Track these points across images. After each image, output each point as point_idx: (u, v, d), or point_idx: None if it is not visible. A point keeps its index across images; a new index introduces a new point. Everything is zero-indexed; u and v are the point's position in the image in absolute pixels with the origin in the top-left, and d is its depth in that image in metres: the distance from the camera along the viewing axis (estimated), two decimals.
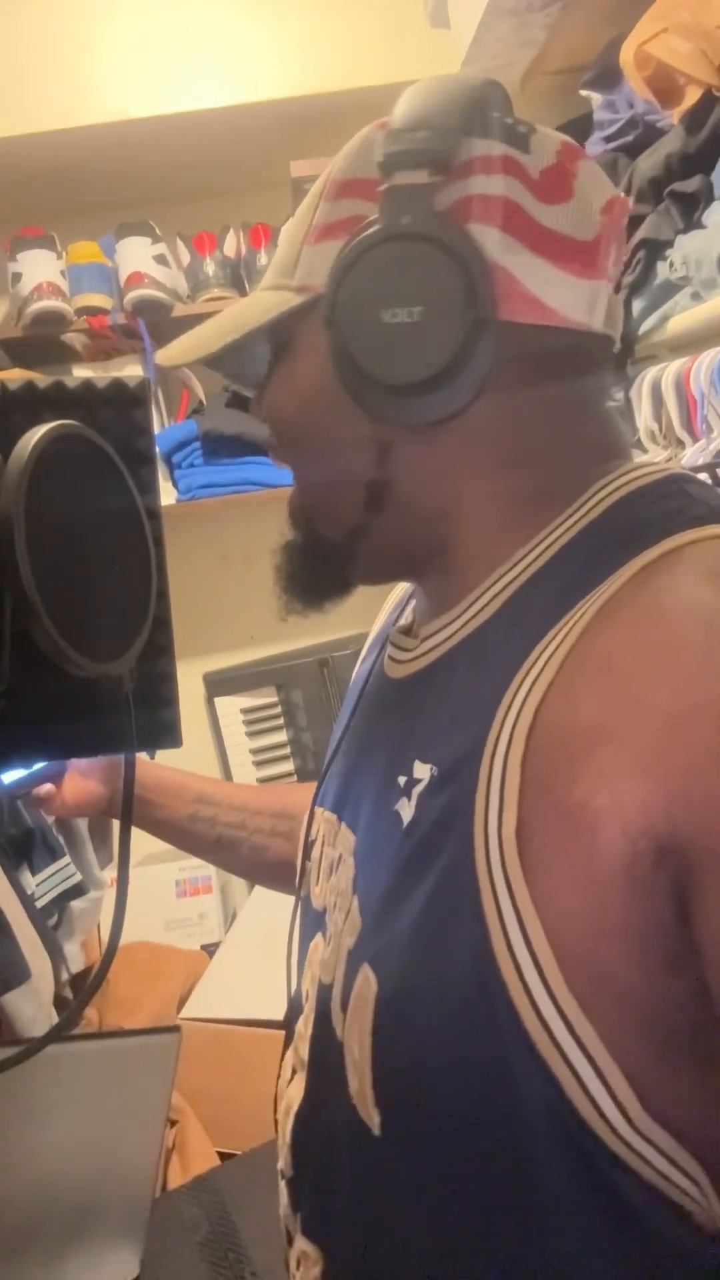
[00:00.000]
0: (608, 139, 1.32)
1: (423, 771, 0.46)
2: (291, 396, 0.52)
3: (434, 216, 0.44)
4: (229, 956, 1.79)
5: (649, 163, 1.18)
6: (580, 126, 1.47)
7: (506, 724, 0.42)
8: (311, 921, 0.57)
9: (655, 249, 1.16)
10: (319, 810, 0.59)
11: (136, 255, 1.87)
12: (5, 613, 0.45)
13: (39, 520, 0.44)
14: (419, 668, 0.52)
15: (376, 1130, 0.45)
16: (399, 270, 0.44)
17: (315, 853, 0.59)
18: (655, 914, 0.37)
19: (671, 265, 1.14)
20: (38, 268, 1.83)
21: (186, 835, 0.77)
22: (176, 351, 0.54)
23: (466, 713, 0.45)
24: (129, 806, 0.55)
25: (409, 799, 0.46)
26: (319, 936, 0.54)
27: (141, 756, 0.76)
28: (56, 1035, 0.48)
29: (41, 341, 1.90)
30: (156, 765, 0.79)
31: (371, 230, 0.45)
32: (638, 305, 1.20)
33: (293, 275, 0.49)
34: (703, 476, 0.56)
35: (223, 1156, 1.39)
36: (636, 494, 0.47)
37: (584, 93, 1.41)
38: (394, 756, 0.49)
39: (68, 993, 1.55)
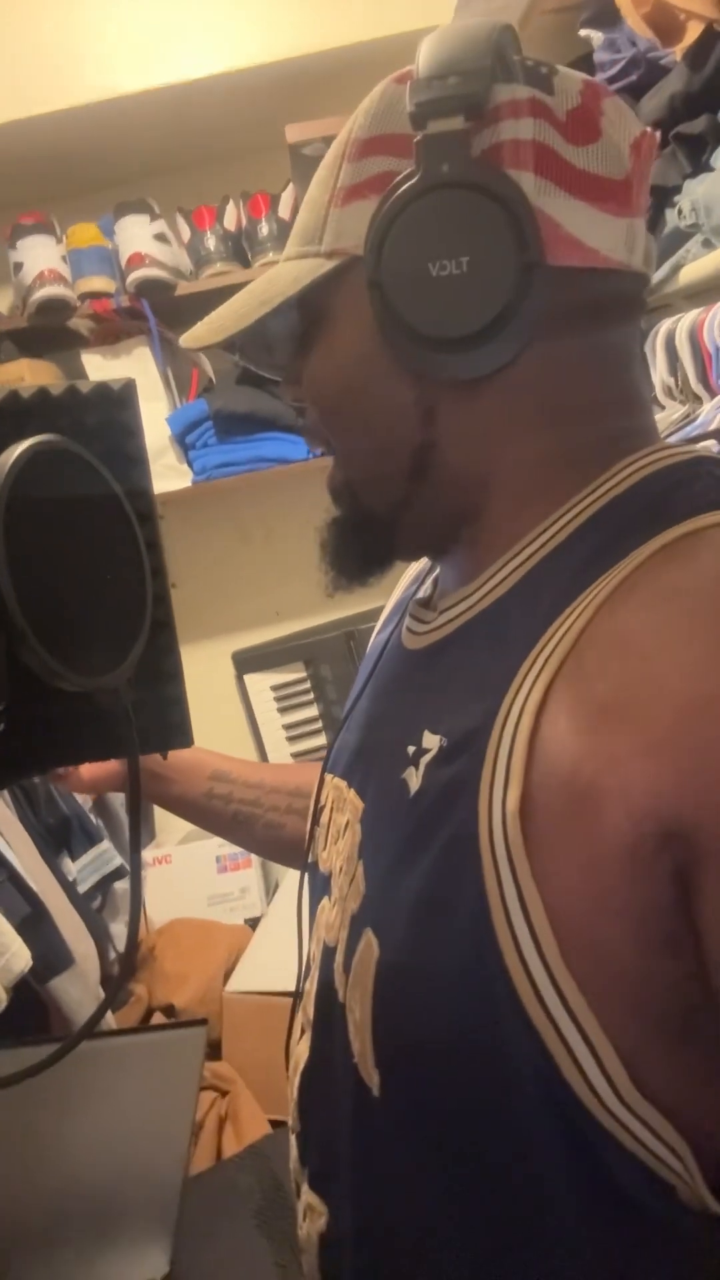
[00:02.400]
0: (610, 80, 1.27)
1: (431, 742, 0.46)
2: (332, 367, 0.50)
3: (474, 163, 0.43)
4: (271, 929, 1.83)
5: (652, 104, 1.13)
6: (581, 68, 1.41)
7: (518, 699, 0.41)
8: (319, 885, 0.57)
9: (663, 196, 1.12)
10: (329, 776, 0.60)
11: (136, 235, 1.85)
12: None
13: (22, 540, 0.44)
14: (435, 639, 0.51)
15: (376, 1091, 0.46)
16: (444, 221, 0.43)
17: (324, 818, 0.59)
18: (656, 896, 0.37)
19: (680, 212, 1.09)
20: (39, 255, 1.82)
21: (203, 812, 0.77)
22: (204, 332, 0.53)
23: (479, 686, 0.44)
24: (136, 811, 0.56)
25: (417, 769, 0.46)
26: (325, 899, 0.55)
27: None
28: (84, 1036, 0.49)
29: (47, 330, 1.89)
30: None
31: (411, 183, 0.44)
32: None
33: (320, 241, 0.48)
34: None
35: (274, 1124, 1.43)
36: (661, 473, 0.46)
37: (583, 32, 1.35)
38: (405, 725, 0.49)
39: (115, 970, 1.59)
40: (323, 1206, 0.52)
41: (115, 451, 0.56)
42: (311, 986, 0.54)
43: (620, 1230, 0.41)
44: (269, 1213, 1.17)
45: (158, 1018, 1.63)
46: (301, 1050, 0.55)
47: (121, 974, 0.49)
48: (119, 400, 0.58)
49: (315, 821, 0.61)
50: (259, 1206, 1.19)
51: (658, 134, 1.18)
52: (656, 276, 1.17)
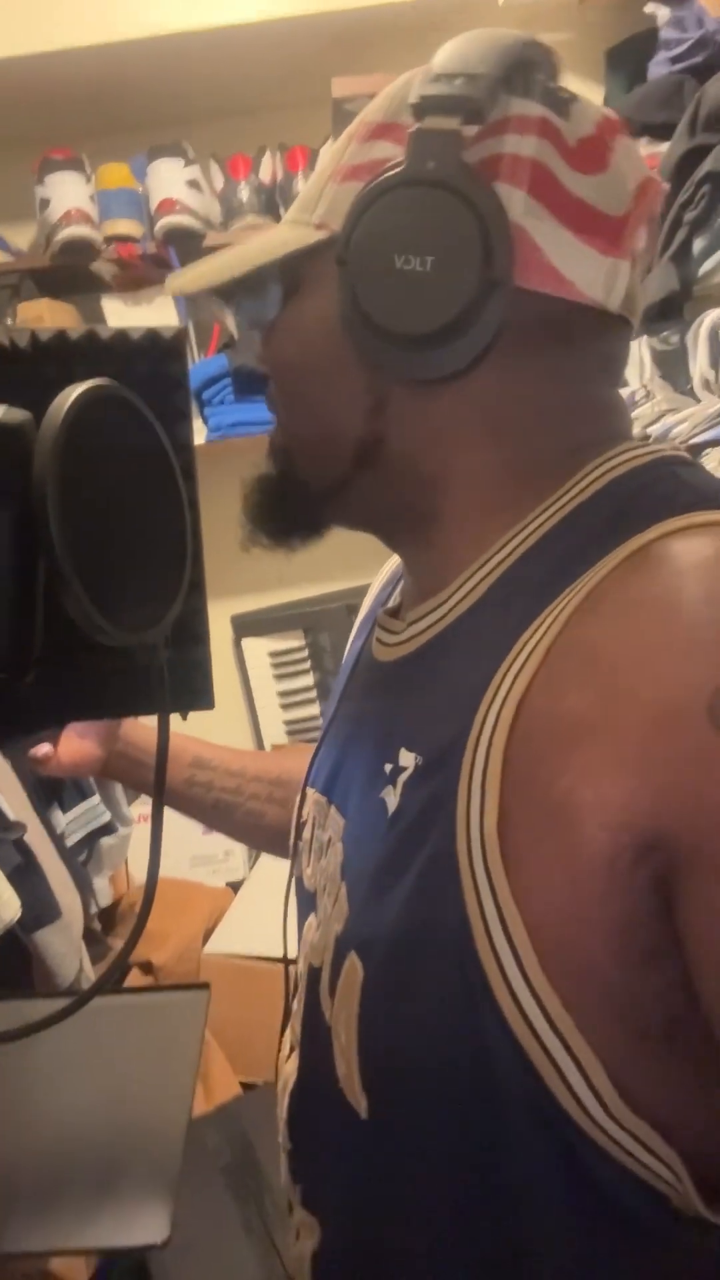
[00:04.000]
0: (674, 59, 1.23)
1: (408, 760, 0.46)
2: (294, 337, 0.50)
3: (461, 166, 0.43)
4: (253, 893, 1.84)
5: (718, 88, 1.10)
6: (643, 44, 1.38)
7: (490, 714, 0.41)
8: (305, 902, 0.57)
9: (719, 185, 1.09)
10: (310, 791, 0.60)
11: (168, 179, 1.80)
12: (38, 582, 0.43)
13: (74, 485, 0.42)
14: (406, 652, 0.51)
15: (363, 1113, 0.46)
16: (417, 216, 0.43)
17: (306, 834, 0.59)
18: (636, 908, 0.37)
19: None
20: (66, 192, 1.77)
21: (183, 799, 0.77)
22: (187, 279, 0.53)
23: (451, 701, 0.44)
24: (162, 769, 0.54)
25: (394, 787, 0.46)
26: (311, 918, 0.55)
27: (136, 720, 0.76)
28: (97, 992, 0.48)
29: (69, 271, 1.85)
30: (151, 728, 0.79)
31: (395, 171, 0.44)
32: (699, 244, 1.14)
33: (313, 212, 0.48)
34: None
35: (245, 1087, 1.45)
36: (625, 477, 0.46)
37: (649, 8, 1.31)
38: (381, 742, 0.49)
39: (96, 925, 1.59)
40: (315, 1225, 0.52)
41: (161, 404, 0.54)
42: (298, 1008, 0.54)
43: (614, 1242, 0.41)
44: (237, 1172, 1.18)
45: (135, 974, 1.64)
46: (290, 1069, 0.55)
47: (136, 929, 0.48)
48: (169, 350, 0.56)
49: (298, 836, 0.60)
50: (227, 1165, 1.21)
51: (657, 146, 1.15)
52: (706, 266, 1.14)
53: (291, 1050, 0.56)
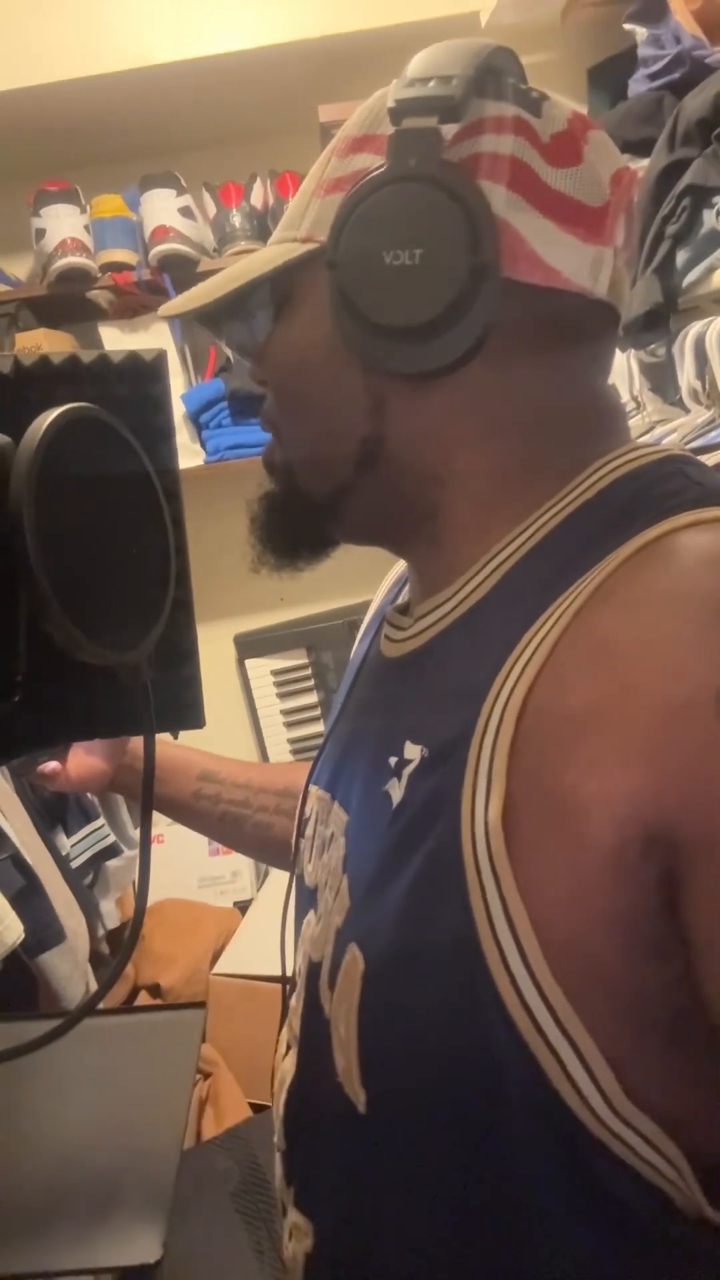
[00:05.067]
0: (652, 76, 1.25)
1: (413, 752, 0.46)
2: (289, 349, 0.51)
3: (440, 161, 0.44)
4: (261, 914, 1.83)
5: (696, 103, 1.12)
6: (623, 63, 1.40)
7: (496, 707, 0.41)
8: (305, 898, 0.57)
9: (701, 196, 1.10)
10: (313, 788, 0.59)
11: (161, 208, 1.83)
12: (19, 604, 0.44)
13: (52, 507, 0.43)
14: (413, 648, 0.51)
15: (362, 1108, 0.45)
16: (402, 211, 0.44)
17: (309, 830, 0.59)
18: (642, 901, 0.37)
19: (719, 214, 1.08)
20: (61, 223, 1.80)
21: (191, 813, 0.77)
22: (179, 302, 0.54)
23: (458, 694, 0.44)
24: (149, 789, 0.55)
25: (399, 780, 0.46)
26: (311, 914, 0.55)
27: None
28: (87, 1011, 0.48)
29: (67, 300, 1.87)
30: (161, 742, 0.79)
31: (378, 172, 0.45)
32: (682, 256, 1.15)
33: (299, 228, 0.49)
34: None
35: (255, 1108, 1.44)
36: (634, 474, 0.46)
37: (628, 26, 1.33)
38: (385, 736, 0.49)
39: (104, 948, 1.59)
40: (308, 1226, 0.51)
41: (144, 424, 0.55)
42: (297, 1003, 0.54)
43: (615, 1241, 0.41)
44: (247, 1195, 1.17)
45: (144, 997, 1.63)
46: (287, 1067, 0.55)
47: (127, 946, 0.48)
48: (150, 372, 0.57)
49: (300, 834, 0.60)
50: (237, 1189, 1.19)
51: (642, 172, 1.16)
52: (689, 278, 1.15)
53: (289, 1048, 0.55)
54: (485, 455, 0.47)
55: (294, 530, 0.54)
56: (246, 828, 0.77)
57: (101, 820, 1.53)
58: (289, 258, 0.48)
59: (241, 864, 2.00)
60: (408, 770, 0.46)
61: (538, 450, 0.47)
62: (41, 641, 0.45)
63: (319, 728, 2.12)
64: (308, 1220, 0.51)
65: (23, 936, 1.00)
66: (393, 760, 0.47)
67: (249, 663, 2.12)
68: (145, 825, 0.52)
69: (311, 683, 2.11)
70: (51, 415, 0.43)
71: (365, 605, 0.68)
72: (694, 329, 1.11)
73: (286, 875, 0.76)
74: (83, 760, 0.75)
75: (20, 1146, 0.62)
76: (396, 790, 0.46)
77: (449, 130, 0.44)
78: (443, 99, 0.43)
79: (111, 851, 1.53)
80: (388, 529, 0.53)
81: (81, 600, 0.44)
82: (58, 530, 0.43)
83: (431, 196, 0.43)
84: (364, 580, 0.56)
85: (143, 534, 0.52)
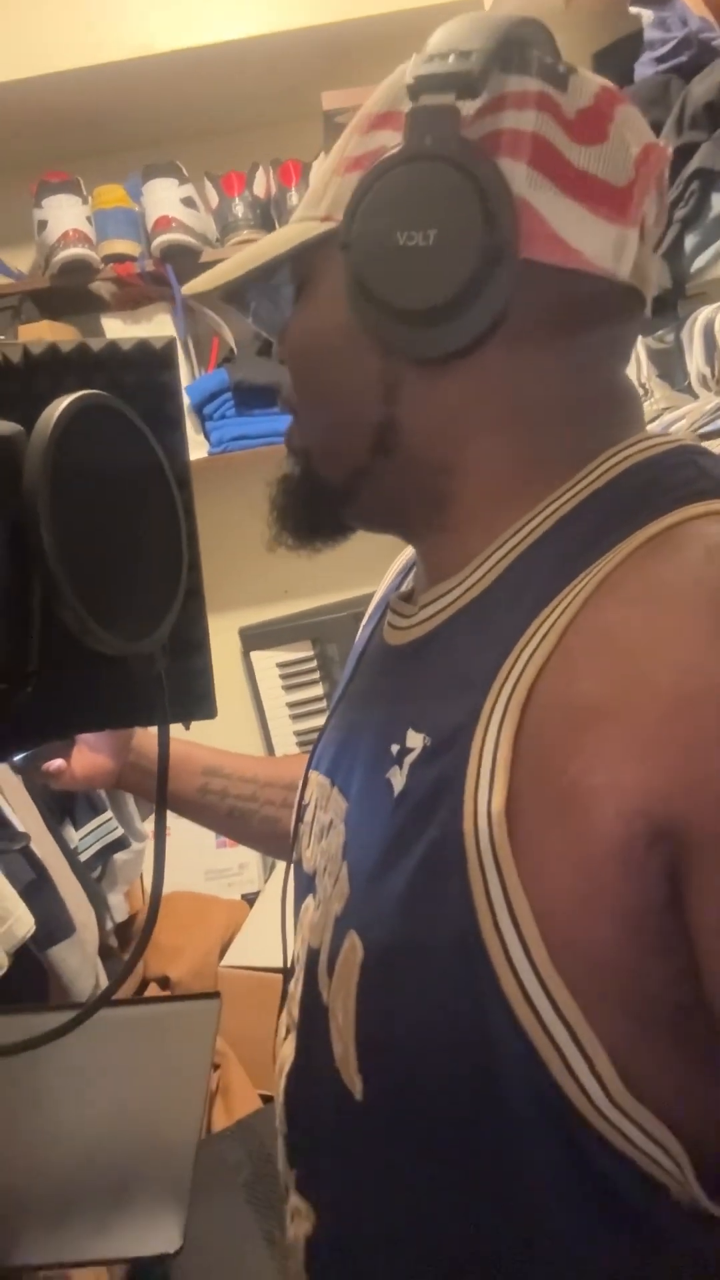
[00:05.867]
0: (659, 59, 1.24)
1: (415, 741, 0.46)
2: (306, 331, 0.51)
3: (457, 139, 0.43)
4: (268, 905, 1.83)
5: (703, 86, 1.11)
6: (628, 46, 1.38)
7: (502, 696, 0.41)
8: (303, 884, 0.57)
9: (710, 180, 1.09)
10: (313, 774, 0.59)
11: (164, 198, 1.82)
12: (34, 593, 0.43)
13: (65, 495, 0.43)
14: (418, 635, 0.51)
15: (359, 1096, 0.45)
16: (417, 191, 0.43)
17: (308, 816, 0.58)
18: (646, 895, 0.37)
19: None
20: (64, 214, 1.79)
21: (197, 808, 0.77)
22: (200, 281, 0.53)
23: (462, 683, 0.44)
24: (164, 780, 0.54)
25: (401, 768, 0.46)
26: (310, 899, 0.54)
27: (149, 731, 0.76)
28: (105, 1001, 0.48)
29: (69, 291, 1.86)
30: None
31: (394, 152, 0.44)
32: (690, 241, 1.14)
33: (319, 207, 0.49)
34: None
35: (265, 1099, 1.44)
36: (645, 464, 0.46)
37: (634, 9, 1.32)
38: (388, 724, 0.49)
39: (113, 941, 1.59)
40: (309, 1210, 0.51)
41: (154, 413, 0.54)
42: (296, 988, 0.54)
43: (613, 1232, 0.41)
44: (258, 1186, 1.17)
45: (152, 989, 1.63)
46: (286, 1052, 0.55)
47: (143, 937, 0.48)
48: (161, 360, 0.56)
49: (299, 819, 0.60)
50: (248, 1180, 1.20)
51: (670, 148, 1.15)
52: (698, 263, 1.14)
53: (288, 1033, 0.55)
54: (499, 444, 0.47)
55: (310, 514, 0.54)
56: (254, 822, 0.77)
57: (110, 813, 1.53)
58: (307, 237, 0.48)
59: (249, 856, 2.00)
60: (410, 759, 0.45)
61: (551, 439, 0.47)
62: (54, 631, 0.45)
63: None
64: (308, 1203, 0.51)
65: (33, 929, 1.00)
66: (395, 748, 0.47)
67: (254, 655, 2.11)
68: (160, 818, 0.52)
69: (317, 675, 2.11)
70: (65, 402, 0.43)
71: (371, 597, 0.68)
72: (703, 314, 1.10)
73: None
74: (88, 758, 0.75)
75: (38, 1137, 0.62)
76: (398, 778, 0.46)
77: (469, 106, 0.43)
78: (461, 75, 0.42)
79: (120, 844, 1.53)
80: (401, 515, 0.53)
81: (95, 589, 0.44)
82: (71, 518, 0.43)
83: (446, 176, 0.42)
84: (370, 572, 0.56)
85: (155, 522, 0.52)
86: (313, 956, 0.51)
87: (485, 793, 0.40)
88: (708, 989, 0.37)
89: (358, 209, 0.44)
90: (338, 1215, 0.49)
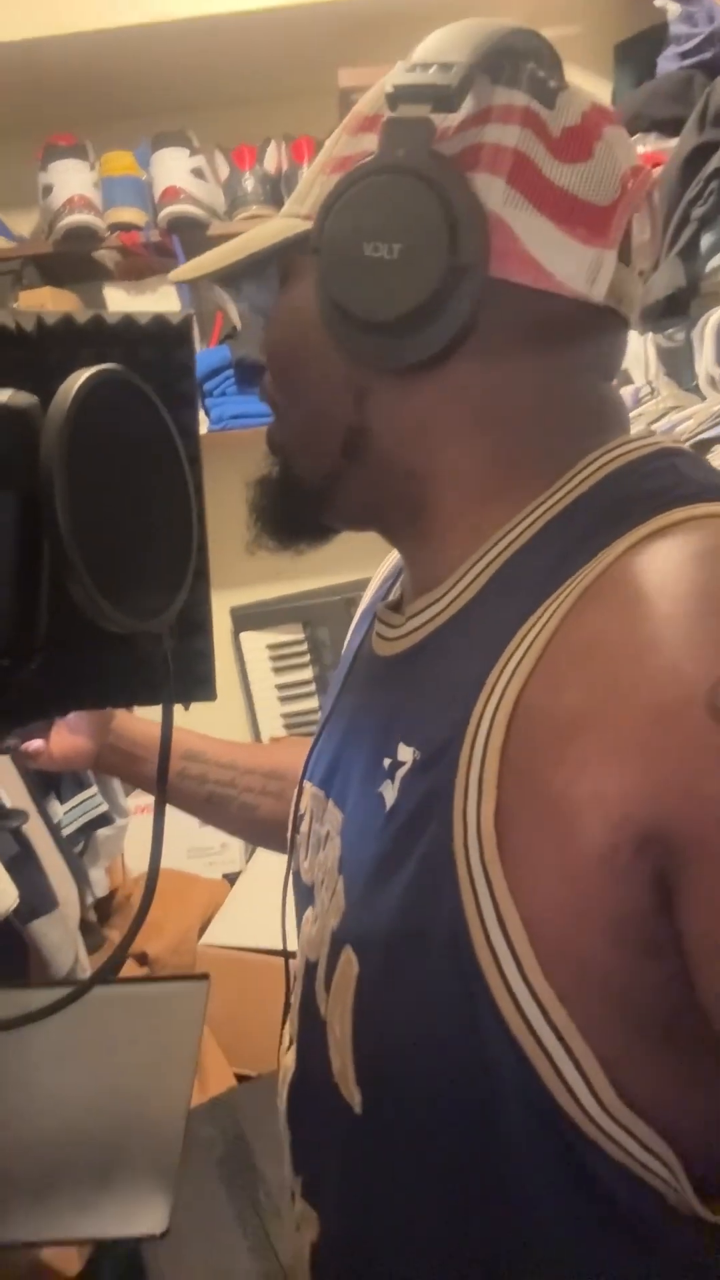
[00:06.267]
0: (684, 54, 1.23)
1: (406, 754, 0.46)
2: (282, 326, 0.51)
3: (429, 153, 0.43)
4: (249, 885, 1.83)
5: None
6: (651, 40, 1.37)
7: (488, 708, 0.41)
8: (303, 895, 0.57)
9: None
10: (308, 784, 0.59)
11: (173, 168, 1.79)
12: (44, 568, 0.43)
13: (79, 470, 0.42)
14: (406, 647, 0.51)
15: (357, 1109, 0.46)
16: (385, 204, 0.43)
17: (304, 827, 0.59)
18: (635, 902, 0.37)
19: None
20: (70, 179, 1.76)
21: (175, 792, 0.76)
22: (188, 267, 0.53)
23: (450, 695, 0.44)
24: (166, 759, 0.54)
25: (393, 782, 0.46)
26: (309, 911, 0.55)
27: (127, 712, 0.76)
28: (97, 980, 0.48)
29: (72, 259, 1.84)
30: (143, 720, 0.78)
31: (366, 160, 0.44)
32: (706, 240, 1.13)
33: (304, 204, 0.49)
34: None
35: (239, 1079, 1.45)
36: (625, 469, 0.46)
37: (659, 3, 1.31)
38: (380, 737, 0.49)
39: (92, 916, 1.59)
40: (315, 1216, 0.51)
41: (168, 389, 0.54)
42: (295, 1001, 0.54)
43: (609, 1240, 0.41)
44: (231, 1164, 1.18)
45: (130, 965, 1.64)
46: (288, 1062, 0.55)
47: (138, 917, 0.48)
48: (177, 336, 0.55)
49: (295, 830, 0.60)
50: (221, 1158, 1.20)
51: (665, 141, 1.14)
52: (713, 264, 1.14)
53: (290, 1043, 0.56)
54: (471, 451, 0.47)
55: (290, 515, 0.54)
56: (232, 808, 0.77)
57: (95, 788, 1.52)
58: (288, 234, 0.48)
59: (231, 837, 2.00)
60: (401, 772, 0.46)
61: (526, 446, 0.47)
62: (62, 607, 0.44)
63: (313, 703, 2.11)
64: (314, 1210, 0.52)
65: (16, 903, 1.00)
66: (386, 762, 0.47)
67: (244, 636, 2.11)
68: (160, 797, 0.52)
69: (307, 658, 2.11)
70: (83, 376, 0.42)
71: (363, 583, 0.67)
72: (716, 314, 1.10)
73: (274, 853, 0.76)
74: (66, 739, 0.74)
75: (25, 1116, 0.62)
76: (390, 792, 0.46)
77: (450, 118, 0.43)
78: (438, 88, 0.42)
79: (104, 820, 1.52)
80: (378, 519, 0.53)
81: (106, 567, 0.43)
82: (85, 494, 0.42)
83: (415, 191, 0.42)
84: (362, 557, 0.56)
85: (167, 501, 0.51)
86: (310, 970, 0.51)
87: (474, 805, 0.40)
88: (699, 993, 0.37)
89: (329, 213, 0.45)
90: (340, 1223, 0.50)
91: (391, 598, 0.57)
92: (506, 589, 0.45)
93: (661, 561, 0.40)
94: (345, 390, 0.48)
